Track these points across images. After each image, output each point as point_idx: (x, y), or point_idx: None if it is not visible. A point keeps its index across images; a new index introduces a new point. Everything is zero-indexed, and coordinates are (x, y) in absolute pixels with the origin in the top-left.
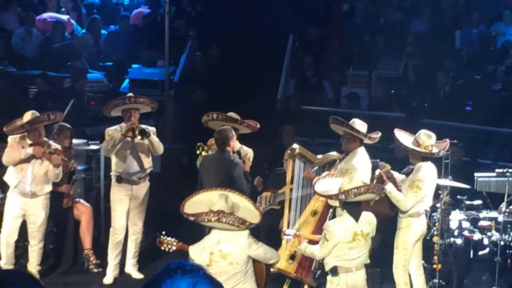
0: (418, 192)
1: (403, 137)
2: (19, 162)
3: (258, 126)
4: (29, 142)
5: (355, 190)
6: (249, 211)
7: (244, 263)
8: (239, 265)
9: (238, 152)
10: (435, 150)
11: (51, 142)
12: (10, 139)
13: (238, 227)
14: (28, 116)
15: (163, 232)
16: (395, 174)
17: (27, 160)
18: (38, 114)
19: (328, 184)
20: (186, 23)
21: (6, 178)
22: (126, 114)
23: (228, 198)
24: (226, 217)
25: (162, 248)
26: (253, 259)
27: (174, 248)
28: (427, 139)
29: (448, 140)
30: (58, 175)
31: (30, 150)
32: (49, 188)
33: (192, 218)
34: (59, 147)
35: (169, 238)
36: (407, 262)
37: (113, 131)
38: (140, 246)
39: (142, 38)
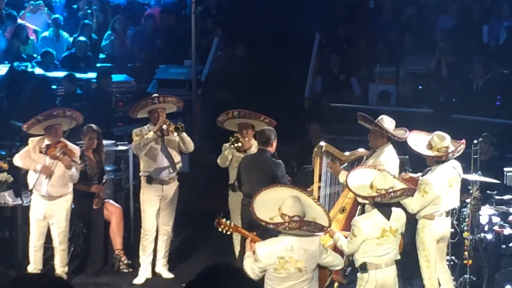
0: (424, 196)
1: (419, 139)
2: (31, 164)
3: (275, 123)
4: (47, 143)
5: (392, 193)
6: (318, 212)
7: (312, 271)
8: (308, 273)
9: (273, 154)
10: (450, 150)
11: (68, 143)
12: (30, 141)
13: (316, 234)
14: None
15: (221, 214)
16: (416, 175)
17: (40, 162)
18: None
19: (360, 178)
20: (213, 22)
21: (28, 179)
22: (153, 115)
23: (300, 201)
24: (308, 225)
25: (220, 229)
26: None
27: (230, 232)
28: (439, 141)
29: (464, 140)
30: (72, 176)
31: (39, 167)
32: (67, 190)
33: (271, 226)
34: (76, 148)
35: (227, 221)
36: (431, 263)
37: (141, 132)
38: (170, 246)
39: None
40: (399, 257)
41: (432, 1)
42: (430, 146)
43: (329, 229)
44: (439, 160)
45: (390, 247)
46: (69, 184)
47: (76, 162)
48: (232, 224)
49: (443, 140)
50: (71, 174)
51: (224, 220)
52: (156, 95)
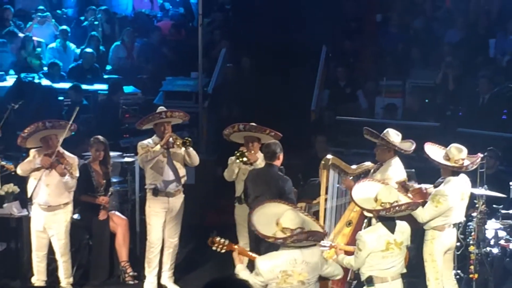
0: (438, 206)
1: (435, 151)
2: (32, 172)
3: (281, 135)
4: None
5: (397, 207)
6: (311, 223)
7: (314, 283)
8: (310, 285)
9: (281, 169)
10: (466, 163)
11: (66, 152)
12: (31, 152)
13: (321, 245)
14: None
15: (215, 232)
16: (427, 186)
17: (39, 170)
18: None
19: (365, 191)
20: (220, 34)
21: (28, 190)
22: (159, 128)
23: (298, 212)
24: (313, 235)
25: (213, 248)
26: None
27: (224, 249)
28: (457, 152)
29: (479, 154)
30: (67, 183)
31: (38, 160)
32: (65, 199)
33: (280, 241)
34: (72, 157)
35: (221, 239)
36: (439, 274)
37: (146, 145)
38: (176, 258)
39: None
40: (405, 270)
41: (439, 15)
42: (447, 158)
43: (333, 244)
44: (455, 171)
45: (396, 260)
46: (67, 193)
47: (68, 170)
48: (226, 242)
49: (460, 152)
50: (65, 181)
51: (218, 238)
52: (164, 109)
